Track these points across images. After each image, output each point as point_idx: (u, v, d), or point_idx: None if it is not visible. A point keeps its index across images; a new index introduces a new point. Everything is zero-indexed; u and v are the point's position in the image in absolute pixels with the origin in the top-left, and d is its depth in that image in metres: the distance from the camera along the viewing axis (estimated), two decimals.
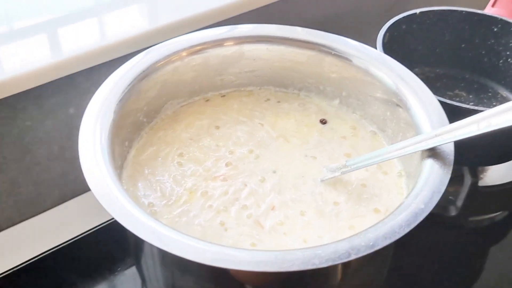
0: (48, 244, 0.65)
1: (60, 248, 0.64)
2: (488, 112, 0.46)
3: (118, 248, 0.64)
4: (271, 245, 0.48)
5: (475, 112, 0.47)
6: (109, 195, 0.43)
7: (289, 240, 0.48)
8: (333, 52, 0.59)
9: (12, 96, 0.60)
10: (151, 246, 0.41)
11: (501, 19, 0.75)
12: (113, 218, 0.66)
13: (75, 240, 0.66)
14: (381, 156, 0.51)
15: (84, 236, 0.66)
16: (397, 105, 0.55)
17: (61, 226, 0.68)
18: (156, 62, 0.56)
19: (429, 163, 0.48)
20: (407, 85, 0.55)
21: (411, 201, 0.44)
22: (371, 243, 0.40)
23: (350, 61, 0.58)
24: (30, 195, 0.68)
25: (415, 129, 0.52)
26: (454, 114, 0.51)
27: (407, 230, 0.42)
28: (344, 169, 0.53)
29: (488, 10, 0.77)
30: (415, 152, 0.49)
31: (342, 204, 0.52)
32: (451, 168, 0.47)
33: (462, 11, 0.76)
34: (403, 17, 0.74)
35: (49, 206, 0.70)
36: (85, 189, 0.72)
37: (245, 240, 0.48)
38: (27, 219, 0.69)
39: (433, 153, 0.48)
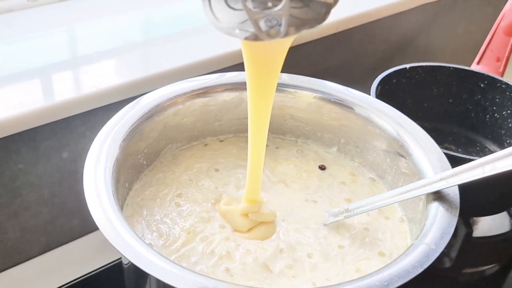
0: None
1: None
2: (493, 156, 0.46)
3: None
4: None
5: (469, 161, 0.48)
6: (121, 238, 0.42)
7: (298, 283, 0.47)
8: (332, 99, 0.60)
9: (5, 138, 0.59)
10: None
11: (487, 76, 0.77)
12: (97, 269, 0.66)
13: None
14: (385, 200, 0.51)
15: (70, 286, 0.64)
16: (398, 152, 0.56)
17: (46, 275, 0.66)
18: (161, 104, 0.56)
19: (435, 206, 0.48)
20: (408, 133, 0.56)
21: (421, 242, 0.44)
22: (385, 283, 0.40)
23: (351, 108, 0.59)
24: (17, 241, 0.65)
25: (418, 175, 0.53)
26: (450, 164, 0.52)
27: (420, 270, 0.41)
28: (347, 214, 0.53)
29: (474, 67, 0.80)
30: (420, 195, 0.49)
31: (346, 247, 0.51)
32: (458, 210, 0.47)
33: (450, 67, 0.79)
34: (394, 71, 0.75)
35: (35, 253, 0.68)
36: (72, 237, 0.70)
37: (255, 286, 0.47)
38: (11, 267, 0.66)
39: (438, 196, 0.49)
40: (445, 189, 0.48)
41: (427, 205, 0.49)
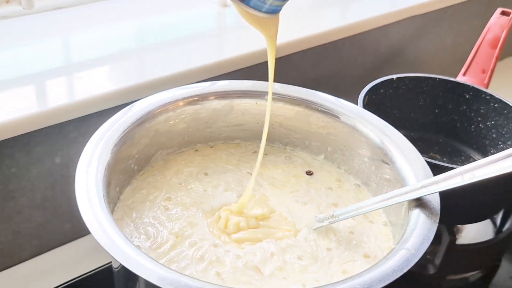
0: None
1: None
2: (472, 164, 0.48)
3: None
4: None
5: (452, 169, 0.50)
6: (113, 242, 0.43)
7: (288, 285, 0.49)
8: (320, 109, 0.62)
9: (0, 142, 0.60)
10: None
11: (473, 87, 0.79)
12: (88, 272, 0.67)
13: None
14: (368, 207, 0.52)
15: None
16: (382, 160, 0.58)
17: (37, 278, 0.67)
18: (152, 111, 0.57)
19: (416, 212, 0.49)
20: (392, 142, 0.58)
21: (402, 247, 0.45)
22: (366, 285, 0.41)
23: (338, 117, 0.61)
24: (9, 244, 0.66)
25: (401, 182, 0.54)
26: (433, 172, 0.54)
27: (400, 274, 0.43)
28: (332, 219, 0.54)
29: (460, 78, 0.82)
30: (401, 202, 0.51)
31: (334, 250, 0.53)
32: (438, 217, 0.49)
33: (436, 78, 0.80)
34: (381, 82, 0.77)
35: (26, 257, 0.69)
36: (64, 241, 0.71)
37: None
38: (3, 270, 0.67)
39: (419, 203, 0.50)
40: (426, 196, 0.50)
41: (409, 211, 0.50)
